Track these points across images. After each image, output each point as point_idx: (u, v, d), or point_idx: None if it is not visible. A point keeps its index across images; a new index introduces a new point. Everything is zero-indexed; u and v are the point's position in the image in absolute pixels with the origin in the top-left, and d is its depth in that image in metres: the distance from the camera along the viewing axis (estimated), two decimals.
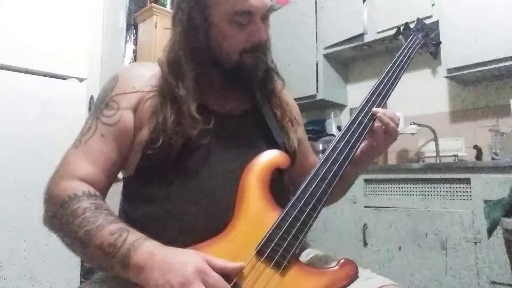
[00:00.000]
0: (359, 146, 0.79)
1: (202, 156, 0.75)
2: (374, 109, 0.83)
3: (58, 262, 1.88)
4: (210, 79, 0.81)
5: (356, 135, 0.79)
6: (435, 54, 1.08)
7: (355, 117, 0.82)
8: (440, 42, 1.09)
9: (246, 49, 0.77)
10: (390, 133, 0.82)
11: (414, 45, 0.99)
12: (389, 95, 0.86)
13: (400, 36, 1.05)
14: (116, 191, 0.84)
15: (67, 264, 1.92)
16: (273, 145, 0.82)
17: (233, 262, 0.62)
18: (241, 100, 0.85)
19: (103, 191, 0.74)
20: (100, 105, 0.78)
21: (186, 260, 0.60)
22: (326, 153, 0.77)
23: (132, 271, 0.61)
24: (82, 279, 1.99)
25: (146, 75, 0.79)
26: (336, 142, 0.79)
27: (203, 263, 0.60)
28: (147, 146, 0.74)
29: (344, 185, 0.90)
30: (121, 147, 0.75)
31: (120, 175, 0.82)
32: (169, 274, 0.58)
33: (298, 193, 0.73)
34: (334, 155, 0.77)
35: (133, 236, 0.63)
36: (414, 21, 1.11)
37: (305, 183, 0.74)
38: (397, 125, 0.83)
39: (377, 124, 0.82)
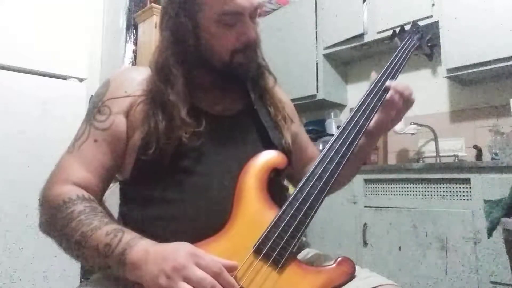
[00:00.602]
0: (356, 145, 0.79)
1: (197, 157, 0.75)
2: (388, 82, 0.87)
3: (58, 262, 1.88)
4: (201, 81, 0.81)
5: (353, 134, 0.80)
6: (431, 56, 1.09)
7: (351, 117, 0.82)
8: (435, 45, 1.10)
9: (237, 49, 0.77)
10: (407, 99, 0.86)
11: (409, 47, 1.00)
12: (385, 96, 0.86)
13: (396, 39, 1.06)
14: (114, 192, 0.84)
15: (67, 264, 1.92)
16: (269, 143, 0.82)
17: (227, 260, 0.62)
18: (234, 100, 0.85)
19: (98, 195, 0.75)
20: (93, 110, 0.78)
21: (177, 247, 0.61)
22: (323, 152, 0.78)
23: (129, 270, 0.61)
24: (82, 279, 1.99)
25: (138, 79, 0.79)
26: (333, 142, 0.79)
27: (194, 247, 0.61)
28: (140, 152, 0.74)
29: (356, 163, 0.92)
30: (114, 152, 0.76)
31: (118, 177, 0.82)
32: (162, 263, 0.59)
33: (296, 191, 0.73)
34: (331, 154, 0.77)
35: (128, 235, 0.64)
36: (411, 23, 1.12)
37: (302, 182, 0.74)
38: (411, 94, 0.87)
39: (391, 93, 0.85)
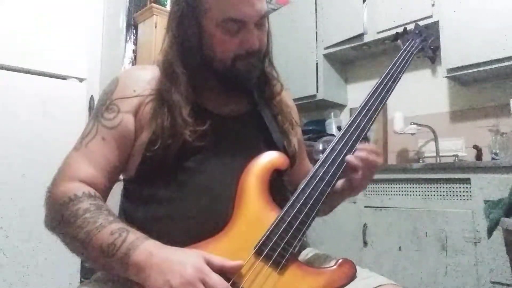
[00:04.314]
0: (357, 147, 0.79)
1: (201, 157, 0.75)
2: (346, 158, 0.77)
3: (58, 262, 1.88)
4: (207, 82, 0.81)
5: (354, 136, 0.80)
6: (433, 59, 1.08)
7: (353, 119, 0.82)
8: (438, 47, 1.10)
9: (239, 56, 0.77)
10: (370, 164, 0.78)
11: (412, 50, 0.99)
12: (387, 98, 0.87)
13: (399, 41, 1.05)
14: (114, 192, 0.84)
15: (67, 264, 1.92)
16: (272, 146, 0.82)
17: (232, 261, 0.62)
18: (240, 102, 0.85)
19: (104, 193, 0.75)
20: (101, 108, 0.78)
21: (185, 260, 0.60)
22: (325, 154, 0.78)
23: (132, 271, 0.61)
24: (82, 279, 1.99)
25: (146, 78, 0.79)
26: (335, 143, 0.79)
27: (202, 263, 0.61)
28: (146, 149, 0.74)
29: (329, 205, 0.89)
30: (121, 150, 0.76)
31: (120, 176, 0.82)
32: (168, 275, 0.58)
33: (297, 193, 0.73)
34: (333, 156, 0.77)
35: (133, 235, 0.63)
36: (413, 23, 1.12)
37: (304, 183, 0.74)
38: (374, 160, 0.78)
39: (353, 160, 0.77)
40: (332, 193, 0.76)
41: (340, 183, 0.79)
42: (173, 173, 0.74)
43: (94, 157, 0.74)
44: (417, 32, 1.07)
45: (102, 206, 0.68)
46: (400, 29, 1.09)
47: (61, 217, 0.67)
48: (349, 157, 0.77)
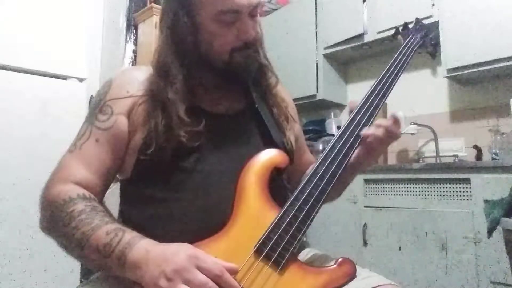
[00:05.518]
0: (357, 145, 0.79)
1: (198, 156, 0.75)
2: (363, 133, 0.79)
3: (58, 262, 1.88)
4: (202, 80, 0.81)
5: (354, 134, 0.79)
6: (434, 54, 1.08)
7: (353, 116, 0.81)
8: (438, 43, 1.09)
9: (236, 48, 0.77)
10: (389, 138, 0.80)
11: (412, 45, 0.98)
12: (388, 95, 0.85)
13: (399, 36, 1.05)
14: (115, 192, 0.84)
15: (67, 264, 1.92)
16: (270, 143, 0.81)
17: (226, 262, 0.62)
18: (236, 100, 0.85)
19: (99, 195, 0.74)
20: (95, 110, 0.78)
21: (178, 248, 0.61)
22: (325, 152, 0.77)
23: (129, 269, 0.61)
24: (82, 279, 1.99)
25: (140, 79, 0.79)
26: (335, 141, 0.78)
27: (195, 250, 0.61)
28: (141, 152, 0.74)
29: (340, 187, 0.88)
30: (115, 152, 0.76)
31: (118, 176, 0.82)
32: (162, 265, 0.58)
33: (297, 192, 0.73)
34: (333, 154, 0.77)
35: (129, 235, 0.63)
36: (413, 21, 1.11)
37: (304, 182, 0.74)
38: (392, 128, 0.79)
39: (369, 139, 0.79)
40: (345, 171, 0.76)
41: (354, 155, 0.79)
42: (170, 173, 0.74)
43: (88, 159, 0.73)
44: (417, 27, 1.06)
45: (97, 207, 0.68)
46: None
47: (56, 219, 0.67)
48: (365, 130, 0.78)
